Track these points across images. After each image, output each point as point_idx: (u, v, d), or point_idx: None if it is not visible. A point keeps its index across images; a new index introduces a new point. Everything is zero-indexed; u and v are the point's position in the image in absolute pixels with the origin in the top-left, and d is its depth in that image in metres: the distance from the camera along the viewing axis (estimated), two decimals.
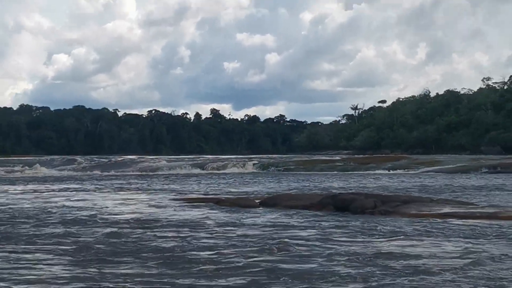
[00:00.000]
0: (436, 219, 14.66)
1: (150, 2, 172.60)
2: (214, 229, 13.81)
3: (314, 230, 13.81)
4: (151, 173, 51.30)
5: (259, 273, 8.76)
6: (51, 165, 62.24)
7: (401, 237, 12.27)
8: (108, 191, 27.81)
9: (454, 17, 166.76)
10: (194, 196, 23.54)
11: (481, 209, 16.30)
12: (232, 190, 28.57)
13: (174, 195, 24.03)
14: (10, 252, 10.63)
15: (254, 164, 58.63)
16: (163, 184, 33.67)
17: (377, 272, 9.02)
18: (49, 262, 9.83)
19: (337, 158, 66.50)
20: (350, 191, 24.11)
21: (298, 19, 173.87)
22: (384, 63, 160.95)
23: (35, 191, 28.17)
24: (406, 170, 50.25)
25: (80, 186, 31.75)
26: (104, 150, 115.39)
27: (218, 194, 24.53)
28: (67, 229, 13.86)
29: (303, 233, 13.20)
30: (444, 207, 16.63)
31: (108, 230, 13.36)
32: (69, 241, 12.05)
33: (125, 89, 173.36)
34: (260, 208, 18.54)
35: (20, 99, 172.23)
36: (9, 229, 13.90)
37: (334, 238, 12.55)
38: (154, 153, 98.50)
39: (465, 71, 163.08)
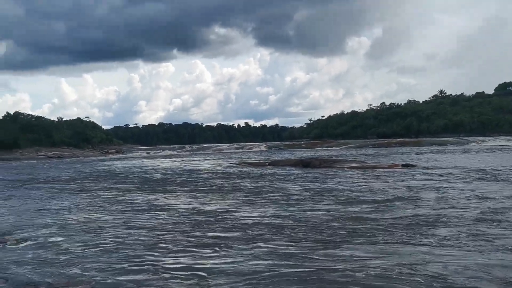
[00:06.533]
0: (349, 169, 14.86)
1: (216, 74, 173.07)
2: (251, 174, 14.18)
3: (293, 172, 14.43)
4: (217, 152, 51.66)
5: (271, 184, 9.15)
6: (173, 150, 62.84)
7: (330, 177, 12.51)
8: (202, 160, 28.20)
9: (354, 78, 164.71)
10: (238, 161, 23.78)
11: (369, 164, 16.45)
12: (255, 158, 28.81)
13: (230, 161, 24.32)
14: (184, 191, 10.87)
15: (265, 146, 58.58)
16: (224, 156, 33.98)
17: (308, 184, 9.51)
18: (186, 192, 10.16)
19: (303, 143, 65.95)
20: (309, 157, 24.23)
21: (284, 79, 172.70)
22: (324, 99, 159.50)
23: (170, 161, 28.59)
24: (334, 147, 50.06)
25: (188, 158, 32.20)
26: (197, 142, 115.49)
27: (250, 160, 24.80)
28: (195, 177, 14.26)
29: (288, 173, 13.61)
30: (352, 163, 16.80)
31: (212, 179, 13.56)
32: (195, 185, 12.42)
33: (206, 114, 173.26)
34: (269, 166, 18.84)
35: (158, 119, 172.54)
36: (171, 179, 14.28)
37: (299, 175, 13.14)
38: (220, 143, 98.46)
39: (360, 102, 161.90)
